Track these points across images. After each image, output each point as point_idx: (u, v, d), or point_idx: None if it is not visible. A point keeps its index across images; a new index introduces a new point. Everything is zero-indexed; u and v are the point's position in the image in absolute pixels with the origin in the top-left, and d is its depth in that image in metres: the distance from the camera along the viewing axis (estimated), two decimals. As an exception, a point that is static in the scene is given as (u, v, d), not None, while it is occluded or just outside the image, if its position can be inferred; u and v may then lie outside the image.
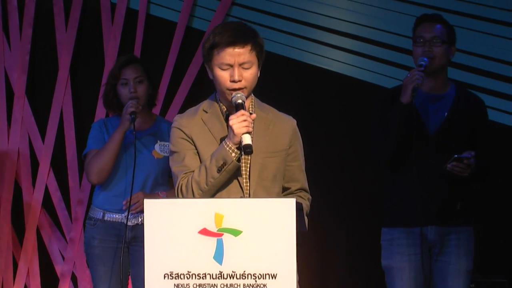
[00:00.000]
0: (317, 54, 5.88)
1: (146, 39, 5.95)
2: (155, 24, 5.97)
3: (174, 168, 3.61)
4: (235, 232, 3.21)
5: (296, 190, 3.71)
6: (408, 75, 4.49)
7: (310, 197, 3.76)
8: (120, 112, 4.91)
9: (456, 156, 4.42)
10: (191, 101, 5.84)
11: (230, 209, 3.22)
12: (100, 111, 5.87)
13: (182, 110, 5.82)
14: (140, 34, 5.94)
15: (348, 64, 5.87)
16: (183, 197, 3.54)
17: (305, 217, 3.66)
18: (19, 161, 5.95)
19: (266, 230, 3.21)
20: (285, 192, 3.71)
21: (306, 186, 3.75)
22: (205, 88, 5.80)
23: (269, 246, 3.21)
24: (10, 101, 5.97)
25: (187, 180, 3.54)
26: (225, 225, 3.21)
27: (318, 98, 5.83)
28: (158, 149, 4.98)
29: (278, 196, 3.64)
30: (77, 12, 5.97)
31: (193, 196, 3.51)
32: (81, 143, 5.87)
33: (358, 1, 5.88)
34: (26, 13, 5.97)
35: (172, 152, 3.63)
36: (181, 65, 5.91)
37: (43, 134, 5.97)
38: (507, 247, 5.68)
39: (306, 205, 3.71)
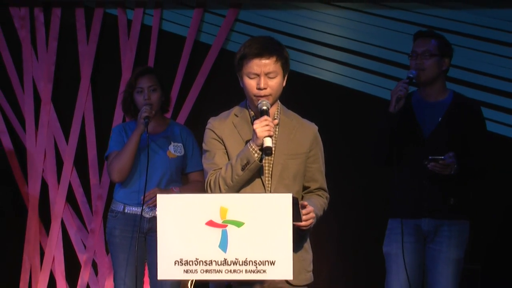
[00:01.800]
0: (311, 65, 5.89)
1: (159, 52, 5.95)
2: (166, 38, 5.97)
3: (205, 165, 3.61)
4: (238, 224, 3.21)
5: (315, 189, 3.71)
6: (395, 86, 4.50)
7: (328, 196, 3.75)
8: (137, 117, 4.92)
9: (430, 157, 4.42)
10: (199, 107, 5.87)
11: (233, 203, 3.23)
12: (118, 116, 5.87)
13: (191, 114, 5.85)
14: (153, 47, 5.94)
15: (339, 74, 5.88)
16: (211, 191, 3.54)
17: (322, 213, 3.67)
18: (46, 160, 5.96)
19: (266, 222, 3.21)
20: (305, 190, 3.70)
21: (324, 185, 3.74)
22: (212, 95, 5.86)
23: (268, 236, 3.21)
24: (38, 107, 5.97)
25: (215, 177, 3.54)
26: (229, 217, 3.21)
27: (311, 104, 5.83)
28: (172, 149, 4.99)
29: (298, 193, 3.63)
30: (97, 27, 5.97)
31: (220, 191, 3.51)
32: (101, 144, 5.88)
33: (348, 17, 5.89)
34: (52, 28, 5.98)
35: (204, 151, 3.63)
36: (190, 75, 5.92)
37: (67, 136, 5.98)
38: (481, 237, 5.68)
39: (324, 202, 3.72)
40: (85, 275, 5.89)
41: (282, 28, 5.88)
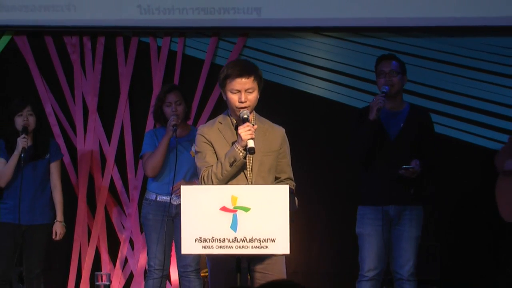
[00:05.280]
0: (303, 82, 5.87)
1: (182, 71, 5.95)
2: (188, 61, 5.97)
3: (198, 163, 3.64)
4: (246, 209, 3.22)
5: (284, 179, 3.72)
6: (374, 99, 4.49)
7: (295, 184, 3.75)
8: (165, 124, 4.94)
9: (404, 166, 4.43)
10: (214, 115, 5.82)
11: (242, 192, 3.25)
12: (150, 123, 5.87)
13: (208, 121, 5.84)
14: (178, 68, 5.94)
15: (326, 89, 5.87)
16: (205, 184, 3.56)
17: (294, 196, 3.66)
18: (92, 158, 5.96)
19: (268, 207, 3.22)
20: (277, 180, 3.70)
21: (291, 176, 3.75)
22: (224, 106, 5.84)
23: (270, 219, 3.22)
24: (86, 115, 5.98)
25: (208, 172, 3.56)
26: (238, 204, 3.22)
27: (304, 113, 5.84)
28: (194, 150, 4.98)
29: (272, 183, 3.64)
30: (133, 52, 5.98)
31: (212, 183, 3.52)
32: (136, 145, 5.88)
33: (333, 44, 5.88)
34: (97, 53, 5.98)
35: (197, 152, 3.66)
36: (207, 90, 5.91)
37: (109, 139, 5.98)
38: (440, 220, 5.67)
39: (292, 190, 3.71)
40: (123, 250, 5.90)
41: (280, 53, 5.88)
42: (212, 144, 3.60)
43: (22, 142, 4.80)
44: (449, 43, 5.76)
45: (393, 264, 4.60)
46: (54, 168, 5.02)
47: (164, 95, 4.96)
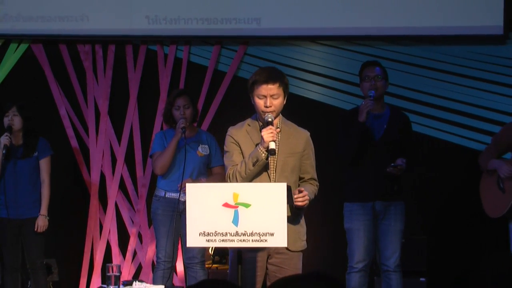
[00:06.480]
0: (300, 87, 5.90)
1: (188, 77, 5.97)
2: (193, 67, 5.99)
3: (226, 162, 3.67)
4: (246, 205, 3.25)
5: (308, 179, 3.75)
6: (363, 103, 4.53)
7: (318, 184, 3.79)
8: (174, 126, 4.99)
9: (392, 164, 4.47)
10: (217, 117, 5.89)
11: (243, 190, 3.27)
12: (157, 125, 5.90)
13: (212, 122, 5.87)
14: (184, 74, 5.96)
15: (321, 94, 5.90)
16: (230, 181, 3.59)
17: (314, 196, 3.68)
18: (104, 158, 5.99)
19: (267, 203, 3.25)
20: (301, 180, 3.74)
21: (315, 176, 3.78)
22: (226, 109, 5.89)
23: (269, 214, 3.24)
24: (98, 118, 6.01)
25: (233, 170, 3.59)
26: (240, 200, 3.25)
27: (301, 116, 5.84)
28: (201, 150, 5.04)
29: (295, 183, 3.67)
30: (142, 59, 6.00)
31: (237, 181, 3.56)
32: (144, 146, 5.91)
33: (328, 52, 5.90)
34: (108, 60, 6.01)
35: (225, 151, 3.69)
36: (211, 94, 5.94)
37: (119, 140, 6.00)
38: (427, 215, 5.70)
39: (314, 189, 3.75)
40: (133, 243, 5.92)
41: (278, 60, 5.89)
42: (239, 145, 3.63)
43: (4, 139, 4.99)
44: (436, 51, 5.79)
45: (380, 256, 4.64)
46: (43, 164, 5.13)
47: (173, 99, 5.01)
